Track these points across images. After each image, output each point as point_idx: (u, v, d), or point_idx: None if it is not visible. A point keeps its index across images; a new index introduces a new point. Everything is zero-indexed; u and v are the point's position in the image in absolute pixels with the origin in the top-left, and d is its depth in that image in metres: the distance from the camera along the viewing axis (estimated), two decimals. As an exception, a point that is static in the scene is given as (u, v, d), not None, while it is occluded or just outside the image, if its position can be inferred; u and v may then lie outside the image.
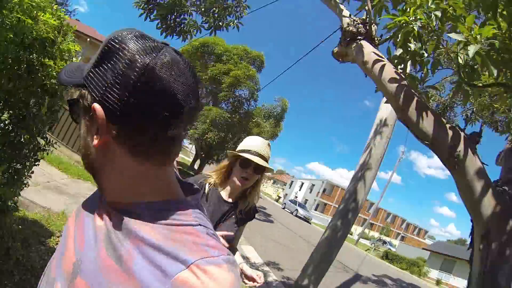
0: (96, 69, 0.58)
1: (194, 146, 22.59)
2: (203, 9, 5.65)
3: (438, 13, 1.97)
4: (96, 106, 0.57)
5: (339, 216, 5.42)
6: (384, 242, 38.31)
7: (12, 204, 2.62)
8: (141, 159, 0.61)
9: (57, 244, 3.76)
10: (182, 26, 5.68)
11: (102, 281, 0.57)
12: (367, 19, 2.57)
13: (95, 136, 0.59)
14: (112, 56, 0.57)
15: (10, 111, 2.24)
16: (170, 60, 0.58)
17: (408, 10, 2.06)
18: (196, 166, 23.21)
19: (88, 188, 7.21)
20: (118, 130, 0.58)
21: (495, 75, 2.04)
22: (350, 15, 2.81)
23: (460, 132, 2.20)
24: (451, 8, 1.97)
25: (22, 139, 2.37)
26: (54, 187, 5.94)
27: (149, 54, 0.57)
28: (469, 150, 2.12)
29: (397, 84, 2.25)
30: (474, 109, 5.89)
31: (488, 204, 2.09)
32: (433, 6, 1.95)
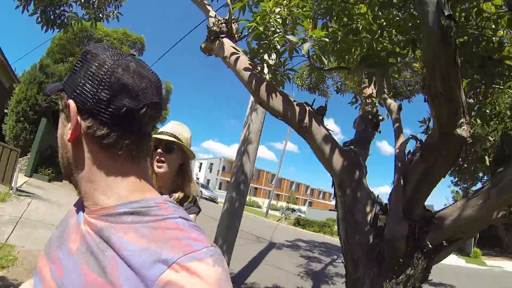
0: (73, 74, 0.66)
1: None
2: (82, 0, 5.54)
3: (279, 20, 2.41)
4: (70, 101, 0.64)
5: (232, 188, 5.94)
6: (293, 210, 39.39)
7: None
8: (112, 154, 0.65)
9: None
10: (62, 18, 5.49)
11: None
12: (229, 19, 2.91)
13: (69, 132, 0.64)
14: (85, 62, 0.65)
15: None
16: (134, 62, 0.67)
17: (258, 16, 2.44)
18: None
19: None
20: (88, 124, 0.63)
21: (326, 62, 2.55)
22: (215, 15, 3.08)
23: (306, 107, 2.60)
24: (290, 16, 2.42)
25: None
26: None
27: (116, 57, 0.65)
28: (314, 120, 2.54)
29: (249, 73, 2.62)
30: (342, 82, 7.14)
31: (337, 161, 2.54)
32: (274, 16, 2.39)
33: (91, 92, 0.62)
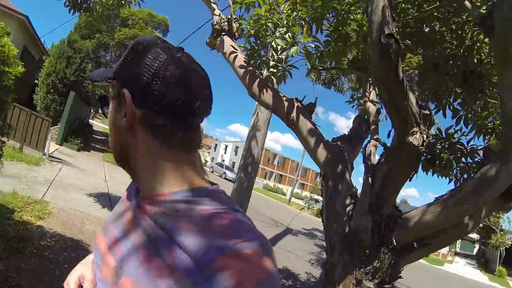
0: (125, 64, 0.69)
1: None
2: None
3: (271, 25, 2.74)
4: (125, 90, 0.66)
5: (241, 170, 6.63)
6: (317, 201, 38.16)
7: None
8: (166, 143, 0.68)
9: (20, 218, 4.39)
10: (88, 3, 6.08)
11: (146, 276, 0.60)
12: (230, 18, 3.26)
13: (124, 119, 0.67)
14: (138, 53, 0.68)
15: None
16: (186, 56, 0.69)
17: (251, 20, 2.77)
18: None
19: (24, 168, 7.50)
20: (143, 113, 0.66)
21: (309, 65, 2.93)
22: (219, 13, 3.42)
23: (295, 102, 2.82)
24: (282, 19, 2.73)
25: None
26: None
27: (170, 51, 0.68)
28: (301, 115, 2.74)
29: (244, 70, 2.93)
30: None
31: (321, 153, 2.69)
32: (265, 21, 2.73)
33: (147, 84, 0.64)
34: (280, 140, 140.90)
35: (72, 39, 16.70)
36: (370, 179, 2.44)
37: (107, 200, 7.57)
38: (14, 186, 5.64)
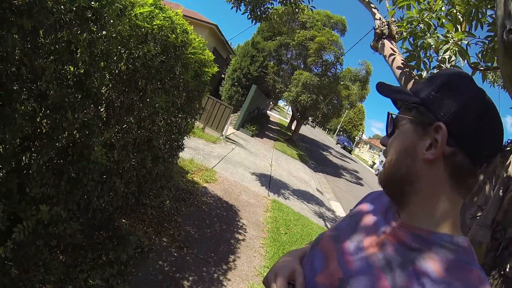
0: (439, 95, 0.70)
1: (290, 107, 24.21)
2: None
3: (422, 25, 2.75)
4: (442, 125, 0.66)
5: None
6: None
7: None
8: (455, 184, 0.68)
9: (192, 178, 5.81)
10: (266, 14, 7.21)
11: None
12: (390, 21, 3.44)
13: (429, 151, 0.68)
14: (454, 88, 0.69)
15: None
16: (492, 102, 0.68)
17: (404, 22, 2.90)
18: (292, 127, 24.93)
19: (203, 143, 9.32)
20: (453, 151, 0.66)
21: (462, 63, 2.59)
22: (380, 17, 3.62)
23: None
24: (438, 18, 2.73)
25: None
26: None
27: (485, 97, 0.68)
28: None
29: (400, 71, 3.02)
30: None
31: None
32: (417, 21, 2.80)
33: (466, 125, 0.65)
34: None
35: (255, 41, 19.34)
36: (501, 192, 2.20)
37: (267, 180, 8.49)
38: (192, 156, 7.20)
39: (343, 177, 17.91)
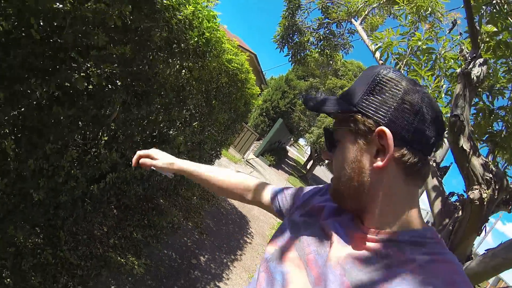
0: (372, 98, 0.67)
1: (310, 148, 25.06)
2: (319, 50, 8.19)
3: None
4: (385, 129, 0.64)
5: None
6: None
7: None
8: (411, 179, 0.67)
9: None
10: (305, 58, 8.26)
11: None
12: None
13: (377, 158, 0.66)
14: (386, 87, 0.67)
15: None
16: (424, 89, 0.68)
17: None
18: (308, 166, 25.67)
19: (226, 161, 10.18)
20: (403, 152, 0.65)
21: None
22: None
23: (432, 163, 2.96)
24: None
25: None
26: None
27: (417, 87, 0.67)
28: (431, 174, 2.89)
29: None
30: None
31: (436, 206, 2.81)
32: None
33: (409, 122, 0.64)
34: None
35: (289, 77, 20.70)
36: (449, 223, 2.57)
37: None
38: (217, 168, 8.26)
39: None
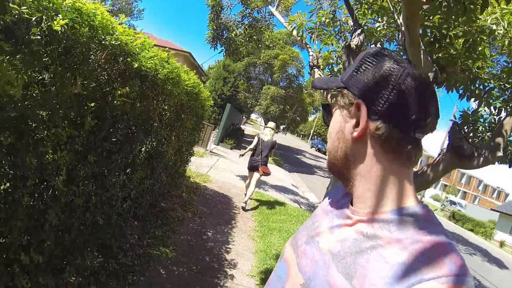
0: (357, 75, 0.70)
1: (262, 119, 26.42)
2: (247, 38, 9.19)
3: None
4: (360, 101, 0.67)
5: None
6: (454, 203, 36.72)
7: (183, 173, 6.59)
8: (391, 156, 0.67)
9: (194, 180, 7.85)
10: (237, 51, 9.30)
11: None
12: (317, 56, 5.14)
13: (354, 129, 0.69)
14: (371, 65, 0.69)
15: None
16: (417, 71, 0.67)
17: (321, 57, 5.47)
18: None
19: (194, 158, 11.19)
20: (378, 126, 0.66)
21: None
22: (312, 54, 4.92)
23: None
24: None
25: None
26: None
27: (401, 65, 0.67)
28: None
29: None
30: None
31: None
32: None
33: (384, 97, 0.65)
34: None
35: (226, 63, 21.62)
36: None
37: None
38: (189, 167, 9.24)
39: (316, 174, 20.02)
